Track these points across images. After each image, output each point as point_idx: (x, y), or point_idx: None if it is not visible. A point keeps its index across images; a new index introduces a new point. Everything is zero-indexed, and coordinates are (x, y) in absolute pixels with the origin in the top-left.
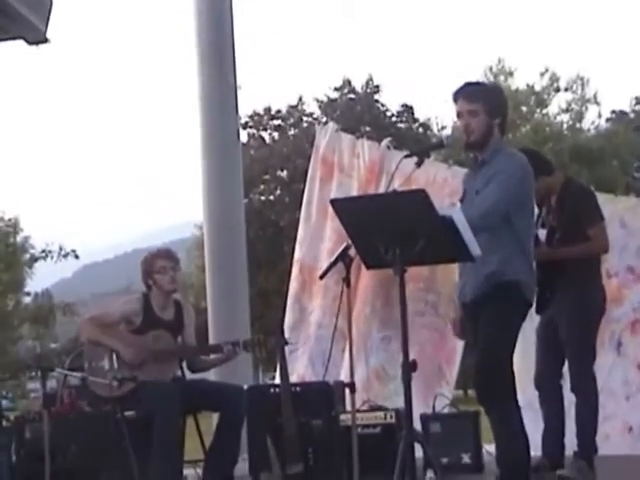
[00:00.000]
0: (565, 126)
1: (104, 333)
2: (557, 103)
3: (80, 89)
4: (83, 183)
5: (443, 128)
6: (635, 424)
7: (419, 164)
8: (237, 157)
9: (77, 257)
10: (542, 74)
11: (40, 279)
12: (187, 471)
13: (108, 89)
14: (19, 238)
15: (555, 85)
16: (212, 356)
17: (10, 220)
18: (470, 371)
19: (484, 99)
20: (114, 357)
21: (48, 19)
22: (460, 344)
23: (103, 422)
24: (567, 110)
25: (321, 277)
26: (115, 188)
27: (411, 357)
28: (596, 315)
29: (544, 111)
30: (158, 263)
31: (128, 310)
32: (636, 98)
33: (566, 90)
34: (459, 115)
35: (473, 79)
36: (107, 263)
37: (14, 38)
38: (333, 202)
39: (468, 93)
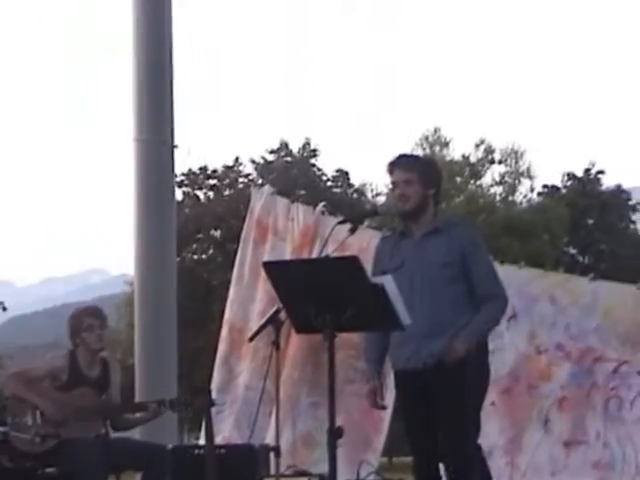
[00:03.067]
0: (498, 198)
1: (28, 389)
2: (491, 175)
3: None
4: (14, 233)
5: (378, 195)
6: None
7: (353, 230)
8: (172, 215)
9: (4, 309)
10: (477, 145)
11: None
12: None
13: (48, 140)
14: None
15: (490, 157)
16: (137, 414)
17: None
18: (396, 438)
19: (419, 170)
20: (37, 413)
21: None
22: (388, 412)
23: (24, 479)
24: (501, 182)
25: (250, 339)
26: (46, 238)
27: (338, 424)
28: None
29: (478, 182)
30: (86, 321)
31: (54, 366)
32: (568, 174)
33: (500, 163)
34: (395, 185)
35: (409, 148)
36: (35, 315)
37: None
38: (265, 265)
39: (404, 163)
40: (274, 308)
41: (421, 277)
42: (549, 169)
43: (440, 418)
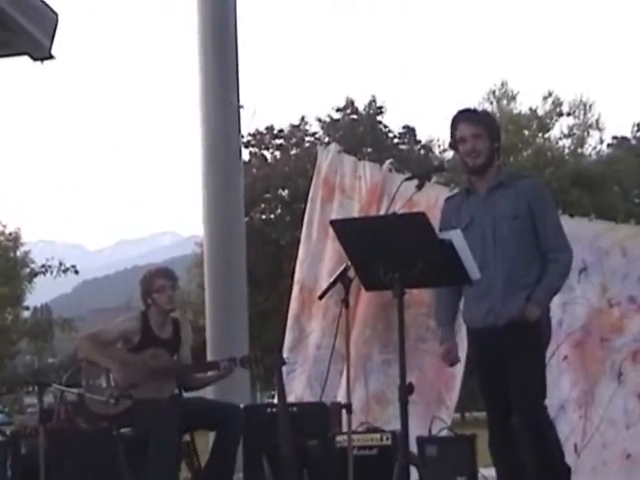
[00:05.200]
0: (567, 151)
1: (101, 352)
2: (559, 128)
3: (86, 106)
4: (87, 198)
5: (445, 150)
6: (633, 452)
7: (420, 187)
8: (239, 175)
9: (77, 272)
10: (545, 98)
11: (39, 294)
12: None
13: (115, 105)
14: (19, 252)
15: (558, 109)
16: (209, 373)
17: (11, 234)
18: (469, 394)
19: (486, 123)
20: (111, 375)
21: (53, 35)
22: (460, 369)
23: (99, 439)
24: (569, 135)
25: (320, 297)
26: (118, 203)
27: (410, 381)
28: None
29: (546, 135)
30: (157, 282)
31: (126, 328)
32: (638, 125)
33: (569, 115)
34: (462, 140)
35: (476, 102)
36: (107, 279)
37: (19, 54)
38: (333, 223)
39: (471, 117)
40: (342, 266)
41: (492, 232)
42: (618, 120)
43: (513, 374)
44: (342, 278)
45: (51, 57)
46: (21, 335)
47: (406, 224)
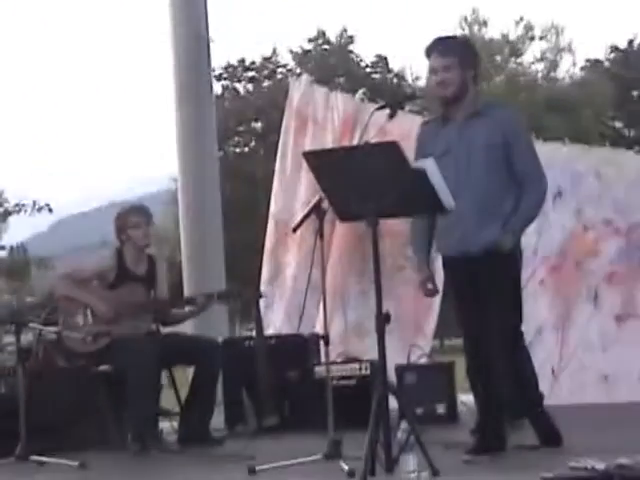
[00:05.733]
0: (540, 75)
1: (78, 288)
2: (532, 52)
3: (59, 42)
4: (56, 136)
5: (417, 78)
6: (611, 374)
7: (392, 115)
8: (210, 109)
9: (51, 211)
10: (517, 23)
11: (14, 233)
12: (162, 424)
13: (83, 39)
14: None
15: (529, 34)
16: (186, 308)
17: None
18: (447, 321)
19: (457, 54)
20: (88, 312)
21: None
22: (437, 296)
23: (78, 377)
24: (541, 59)
25: (294, 230)
26: (90, 141)
27: (388, 311)
28: None
29: (518, 60)
30: (131, 219)
31: (102, 265)
32: (611, 47)
33: (541, 39)
34: (433, 71)
35: (448, 29)
36: (83, 216)
37: None
38: (305, 154)
39: (441, 49)
40: (316, 198)
41: (467, 161)
42: (592, 43)
43: (489, 304)
44: (316, 210)
45: None
46: None
47: (379, 153)
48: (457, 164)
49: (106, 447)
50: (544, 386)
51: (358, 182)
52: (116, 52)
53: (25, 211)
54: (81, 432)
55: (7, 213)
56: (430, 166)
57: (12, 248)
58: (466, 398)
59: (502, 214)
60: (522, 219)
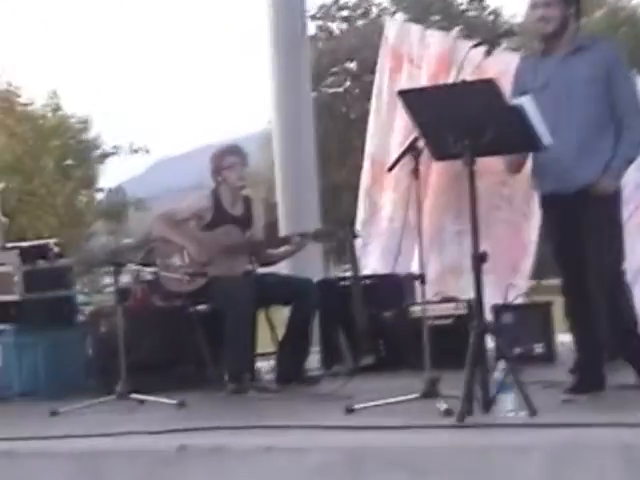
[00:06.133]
0: None
1: (174, 230)
2: None
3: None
4: (151, 83)
5: (514, 15)
6: None
7: (488, 53)
8: (305, 50)
9: (147, 152)
10: None
11: (112, 176)
12: (260, 363)
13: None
14: (90, 135)
15: None
16: (282, 248)
17: (81, 118)
18: (545, 261)
19: None
20: (185, 253)
21: None
22: (535, 236)
23: (176, 316)
24: None
25: (389, 170)
26: (188, 85)
27: (485, 250)
28: None
29: None
30: (226, 160)
31: (198, 206)
32: None
33: None
34: (534, 6)
35: None
36: (180, 158)
37: None
38: (400, 93)
39: None
40: (412, 137)
41: (567, 95)
42: None
43: (588, 243)
44: (411, 149)
45: None
46: (96, 217)
47: (475, 91)
48: (557, 99)
49: (204, 386)
50: None
51: (454, 121)
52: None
53: (122, 153)
54: (179, 371)
55: (104, 155)
56: (527, 103)
57: (110, 190)
58: (564, 338)
59: (602, 151)
60: (623, 159)
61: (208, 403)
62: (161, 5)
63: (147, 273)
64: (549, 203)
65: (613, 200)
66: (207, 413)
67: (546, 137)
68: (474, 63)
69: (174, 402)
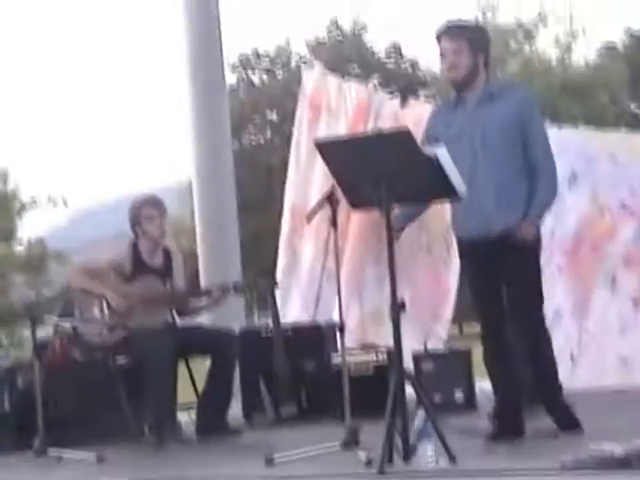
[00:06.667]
0: (554, 59)
1: (93, 281)
2: (546, 37)
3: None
4: (70, 135)
5: (431, 66)
6: (630, 357)
7: (404, 103)
8: (223, 99)
9: (66, 205)
10: (530, 8)
11: (32, 228)
12: (180, 415)
13: (94, 38)
14: (9, 187)
15: (543, 19)
16: (202, 300)
17: None
18: (465, 306)
19: (467, 37)
20: (104, 305)
21: None
22: (455, 282)
23: (95, 369)
24: (556, 43)
25: (307, 219)
26: (104, 136)
27: (406, 298)
28: None
29: (533, 48)
30: (145, 211)
31: (117, 258)
32: (626, 31)
33: (555, 23)
34: (443, 54)
35: (460, 16)
36: (101, 209)
37: None
38: (317, 143)
39: (451, 32)
40: (329, 187)
41: (482, 144)
42: (607, 27)
43: (509, 291)
44: (329, 199)
45: None
46: (14, 269)
47: (390, 141)
48: (472, 147)
49: (124, 439)
50: (563, 370)
51: (370, 170)
52: (128, 47)
53: (41, 205)
54: (99, 425)
55: (23, 208)
56: (442, 153)
57: (30, 242)
58: (484, 385)
59: (519, 194)
60: (541, 205)
61: (128, 456)
62: (80, 52)
63: (66, 326)
64: (469, 249)
65: (532, 247)
66: (127, 467)
67: (460, 186)
68: (392, 114)
69: (93, 457)
